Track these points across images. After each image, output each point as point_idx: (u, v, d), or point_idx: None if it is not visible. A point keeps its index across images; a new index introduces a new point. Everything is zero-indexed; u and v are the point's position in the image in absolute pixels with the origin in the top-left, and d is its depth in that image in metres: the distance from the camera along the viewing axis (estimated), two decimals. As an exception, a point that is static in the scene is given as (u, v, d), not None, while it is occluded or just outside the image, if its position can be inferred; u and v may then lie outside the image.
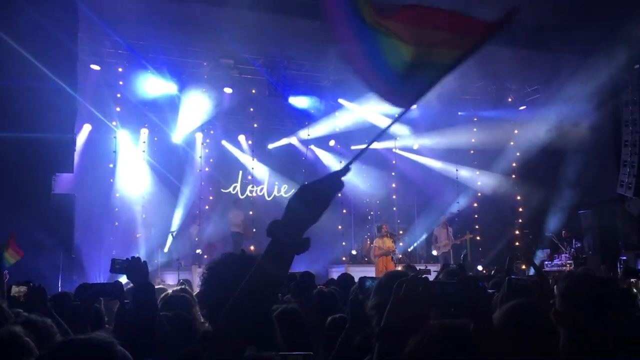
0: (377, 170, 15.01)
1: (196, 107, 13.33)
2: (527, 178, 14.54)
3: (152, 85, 12.59)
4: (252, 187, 15.14)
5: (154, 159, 13.67)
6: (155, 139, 13.82)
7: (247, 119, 14.62)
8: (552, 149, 13.67)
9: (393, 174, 15.59)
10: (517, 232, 14.84)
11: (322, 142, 15.68)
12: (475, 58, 1.47)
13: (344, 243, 15.25)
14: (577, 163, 13.05)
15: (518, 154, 14.75)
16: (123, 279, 3.27)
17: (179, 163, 14.28)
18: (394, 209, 15.52)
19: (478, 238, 14.93)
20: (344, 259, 14.73)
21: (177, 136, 13.95)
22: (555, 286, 2.64)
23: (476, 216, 15.31)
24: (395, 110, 1.53)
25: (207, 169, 14.54)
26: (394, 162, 15.44)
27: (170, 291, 4.18)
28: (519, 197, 14.92)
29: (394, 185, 15.59)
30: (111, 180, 13.01)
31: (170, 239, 13.21)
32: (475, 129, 15.18)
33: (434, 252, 14.30)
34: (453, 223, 14.74)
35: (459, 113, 15.16)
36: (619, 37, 10.28)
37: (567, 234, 13.49)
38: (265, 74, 13.05)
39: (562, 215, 13.90)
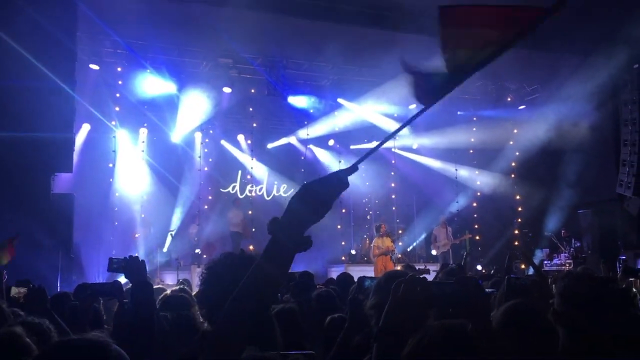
0: (376, 170, 15.00)
1: (195, 106, 13.31)
2: (527, 177, 14.54)
3: (151, 84, 12.57)
4: (252, 186, 15.11)
5: (153, 158, 13.64)
6: (155, 138, 13.79)
7: (246, 118, 14.61)
8: (552, 148, 13.65)
9: (392, 173, 15.59)
10: (516, 232, 14.83)
11: (321, 141, 15.68)
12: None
13: (343, 243, 15.26)
14: (576, 162, 13.04)
15: (517, 153, 14.73)
16: (122, 279, 3.26)
17: (178, 163, 14.27)
18: (393, 208, 15.53)
19: (477, 238, 14.92)
20: (343, 258, 14.73)
21: (176, 136, 13.94)
22: (554, 285, 2.64)
23: (475, 216, 15.31)
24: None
25: (206, 169, 14.54)
26: (393, 161, 15.43)
27: (169, 291, 4.17)
28: (518, 197, 14.91)
29: (393, 184, 15.59)
30: (110, 180, 12.97)
31: (169, 238, 13.23)
32: (474, 129, 15.18)
33: (433, 252, 14.31)
34: (452, 222, 14.76)
35: (459, 112, 15.15)
36: (618, 37, 10.26)
37: (566, 233, 13.47)
38: (264, 74, 13.03)
39: (561, 214, 13.89)
